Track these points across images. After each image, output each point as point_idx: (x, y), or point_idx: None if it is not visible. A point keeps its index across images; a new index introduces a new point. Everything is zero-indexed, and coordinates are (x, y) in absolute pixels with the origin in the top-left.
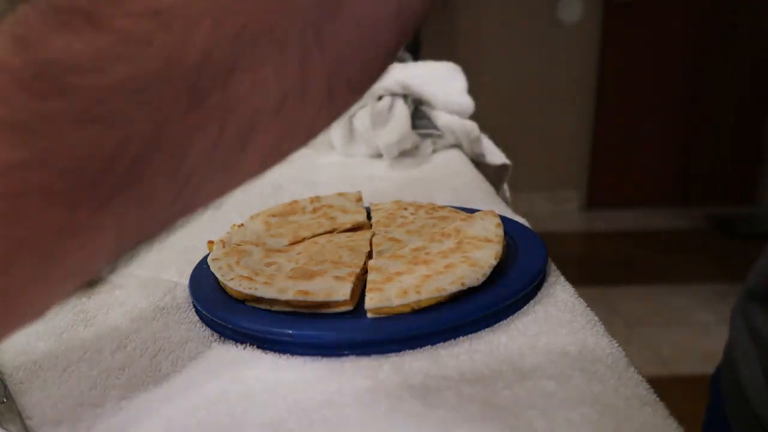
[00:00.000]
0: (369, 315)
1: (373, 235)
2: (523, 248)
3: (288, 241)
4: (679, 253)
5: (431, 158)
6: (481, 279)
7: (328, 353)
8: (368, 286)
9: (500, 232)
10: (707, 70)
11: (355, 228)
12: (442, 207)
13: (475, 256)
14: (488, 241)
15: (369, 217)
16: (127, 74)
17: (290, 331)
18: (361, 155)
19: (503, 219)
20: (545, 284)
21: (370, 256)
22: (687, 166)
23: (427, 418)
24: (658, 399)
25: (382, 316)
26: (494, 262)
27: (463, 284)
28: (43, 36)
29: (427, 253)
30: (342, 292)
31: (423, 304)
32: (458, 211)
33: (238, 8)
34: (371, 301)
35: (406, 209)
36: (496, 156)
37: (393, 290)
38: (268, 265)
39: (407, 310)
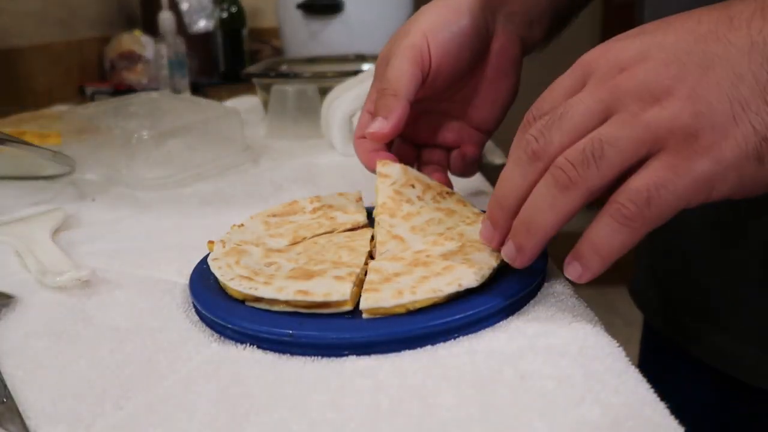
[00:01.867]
0: (364, 315)
1: (377, 225)
2: None
3: (288, 241)
4: None
5: None
6: (480, 280)
7: (328, 353)
8: (365, 286)
9: None
10: None
11: (355, 228)
12: (450, 193)
13: (475, 257)
14: None
15: (369, 217)
16: None
17: (290, 331)
18: None
19: None
20: (545, 284)
21: (371, 256)
22: None
23: (427, 418)
24: (658, 399)
25: (377, 316)
26: (495, 264)
27: (460, 285)
28: None
29: (428, 256)
30: (342, 292)
31: (418, 305)
32: (466, 202)
33: None
34: (366, 301)
35: (413, 186)
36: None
37: (389, 291)
38: (268, 265)
39: (402, 311)
